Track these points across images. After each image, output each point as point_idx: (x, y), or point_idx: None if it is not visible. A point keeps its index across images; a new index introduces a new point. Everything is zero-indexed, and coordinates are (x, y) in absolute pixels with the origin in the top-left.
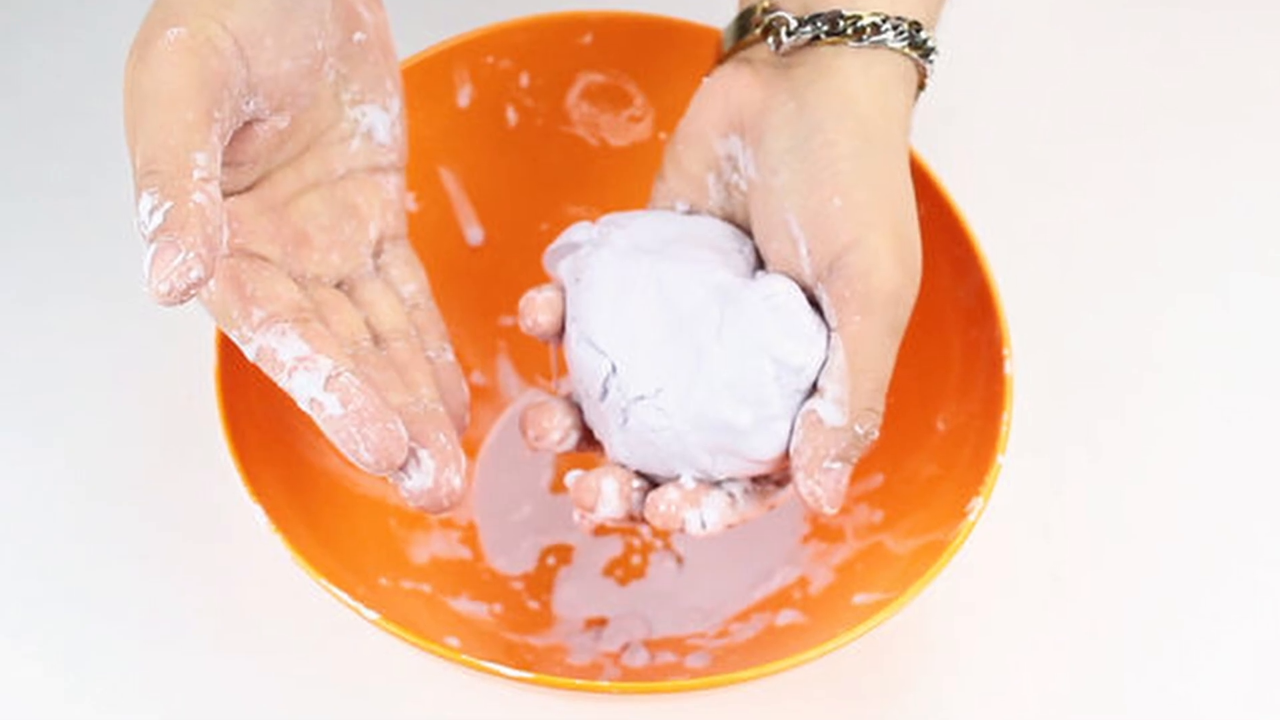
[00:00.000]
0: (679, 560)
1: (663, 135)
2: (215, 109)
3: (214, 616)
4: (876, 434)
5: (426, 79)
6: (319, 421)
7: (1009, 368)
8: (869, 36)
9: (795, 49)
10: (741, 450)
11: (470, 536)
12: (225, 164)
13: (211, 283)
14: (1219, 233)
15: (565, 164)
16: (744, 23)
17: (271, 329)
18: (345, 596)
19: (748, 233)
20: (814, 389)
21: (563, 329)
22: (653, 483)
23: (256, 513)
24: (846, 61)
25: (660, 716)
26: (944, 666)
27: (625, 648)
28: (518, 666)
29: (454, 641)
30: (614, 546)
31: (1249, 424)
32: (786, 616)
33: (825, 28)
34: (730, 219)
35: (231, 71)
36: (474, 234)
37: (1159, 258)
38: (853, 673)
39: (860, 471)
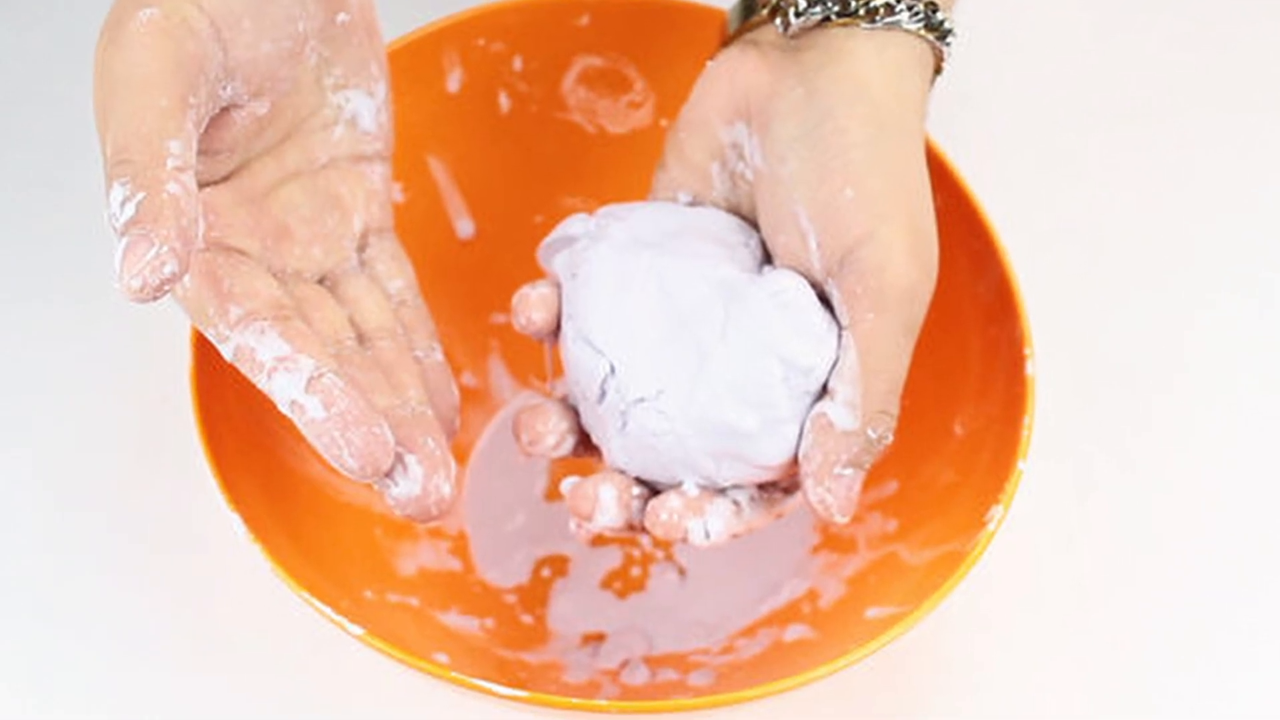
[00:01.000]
0: (681, 572)
1: (664, 122)
2: (191, 94)
3: (189, 633)
4: (890, 438)
5: (414, 62)
6: (300, 425)
7: (1030, 368)
8: (882, 17)
9: (804, 31)
10: (747, 455)
11: (460, 547)
12: (201, 152)
13: (186, 278)
14: (1254, 226)
15: (561, 153)
16: (750, 3)
17: (250, 327)
18: (328, 610)
19: (754, 225)
20: (824, 391)
21: (558, 327)
22: (653, 490)
23: (234, 522)
24: (858, 44)
25: None
26: (961, 685)
27: (624, 665)
28: (510, 685)
29: (443, 658)
30: (612, 557)
31: None
32: (795, 631)
33: (836, 8)
34: (735, 211)
35: (208, 55)
36: (464, 227)
37: (1190, 252)
38: (865, 691)
39: (873, 478)
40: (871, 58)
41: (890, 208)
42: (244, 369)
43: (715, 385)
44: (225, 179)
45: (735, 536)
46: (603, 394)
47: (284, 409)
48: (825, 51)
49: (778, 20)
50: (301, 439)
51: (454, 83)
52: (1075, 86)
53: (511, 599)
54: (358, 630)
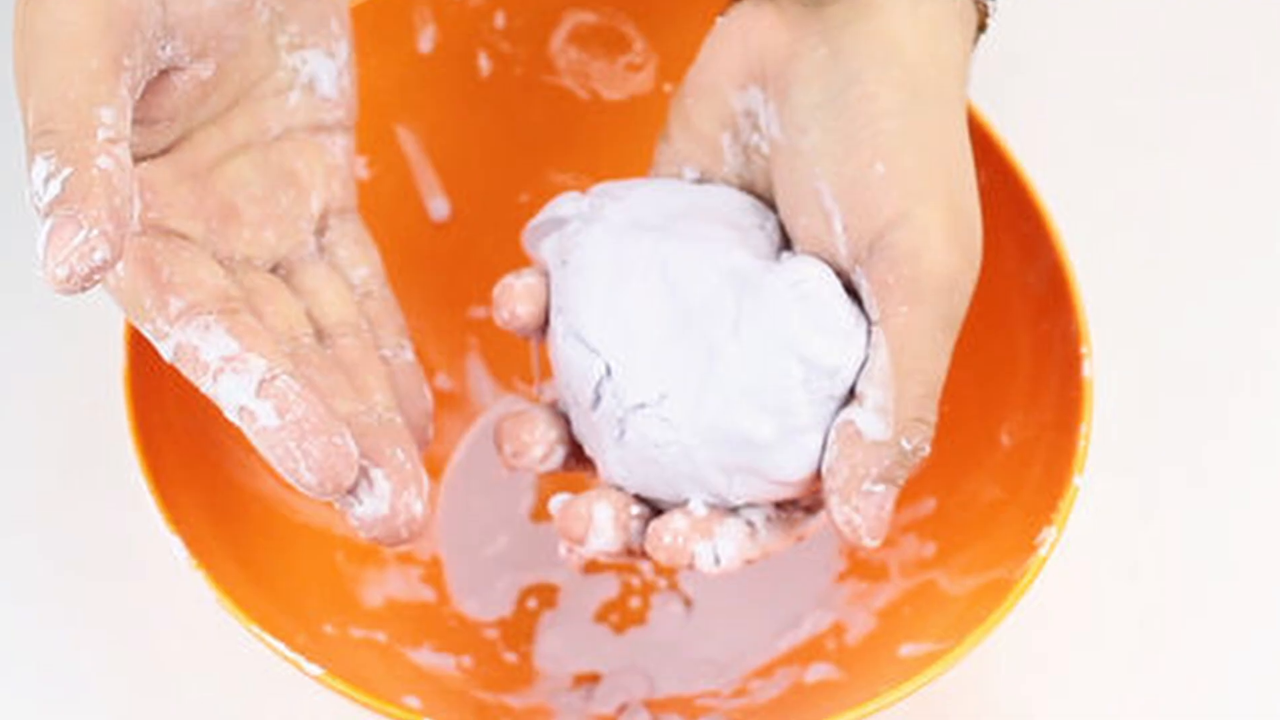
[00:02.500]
0: (687, 603)
1: (668, 87)
2: (125, 55)
3: (123, 672)
4: (927, 450)
5: (381, 18)
6: (250, 434)
7: (1088, 369)
8: None
9: None
10: (763, 469)
11: (434, 574)
12: (137, 122)
13: (120, 266)
14: None
15: (549, 122)
16: None
17: (192, 322)
18: (282, 647)
19: (770, 205)
20: (851, 395)
21: (546, 323)
22: (655, 509)
23: (174, 545)
24: None
25: None
26: None
27: (622, 709)
28: None
29: (414, 701)
30: (608, 587)
31: None
32: (818, 671)
33: None
34: (749, 189)
35: (144, 9)
36: (438, 207)
37: (1271, 237)
38: None
39: (907, 495)
40: (905, 13)
41: (926, 185)
42: (186, 370)
43: (726, 389)
44: (164, 152)
45: (749, 562)
46: (597, 399)
47: (231, 416)
48: (852, 6)
49: None
50: (252, 451)
51: (426, 42)
52: (1139, 46)
53: (492, 634)
54: (316, 670)
